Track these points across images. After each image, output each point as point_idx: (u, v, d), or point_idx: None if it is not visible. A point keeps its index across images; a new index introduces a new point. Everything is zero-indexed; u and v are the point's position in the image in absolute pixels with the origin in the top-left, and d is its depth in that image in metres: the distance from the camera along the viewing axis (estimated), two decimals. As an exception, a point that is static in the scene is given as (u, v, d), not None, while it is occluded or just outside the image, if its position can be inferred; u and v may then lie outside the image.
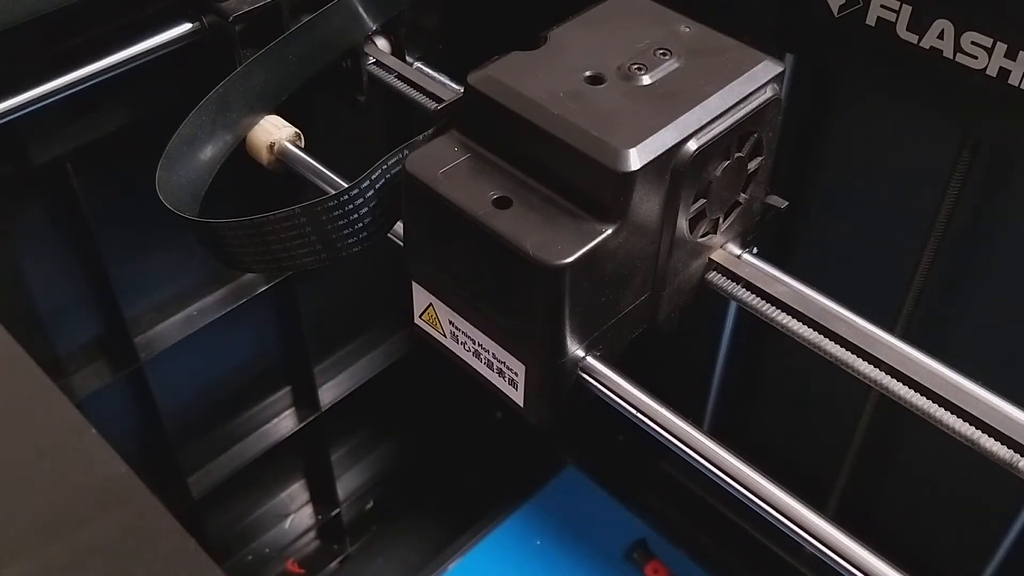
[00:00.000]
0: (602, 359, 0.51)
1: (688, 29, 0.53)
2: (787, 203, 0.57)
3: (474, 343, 0.52)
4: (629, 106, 0.49)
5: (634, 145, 0.46)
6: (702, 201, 0.51)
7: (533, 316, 0.48)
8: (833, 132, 0.81)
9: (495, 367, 0.51)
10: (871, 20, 0.63)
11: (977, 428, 0.46)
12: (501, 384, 0.52)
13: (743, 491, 0.47)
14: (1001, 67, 0.60)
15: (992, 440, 0.46)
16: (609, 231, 0.46)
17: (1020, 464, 0.45)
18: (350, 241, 0.54)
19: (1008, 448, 0.46)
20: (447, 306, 0.53)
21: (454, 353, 0.54)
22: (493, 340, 0.51)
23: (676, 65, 0.51)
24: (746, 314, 0.56)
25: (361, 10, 0.69)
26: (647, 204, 0.48)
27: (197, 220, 0.58)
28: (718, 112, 0.49)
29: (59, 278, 0.81)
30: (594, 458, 1.21)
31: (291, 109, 0.67)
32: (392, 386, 1.12)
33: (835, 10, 0.65)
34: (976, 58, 0.61)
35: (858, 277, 0.83)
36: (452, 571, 1.07)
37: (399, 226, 0.55)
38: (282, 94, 0.67)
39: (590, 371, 0.51)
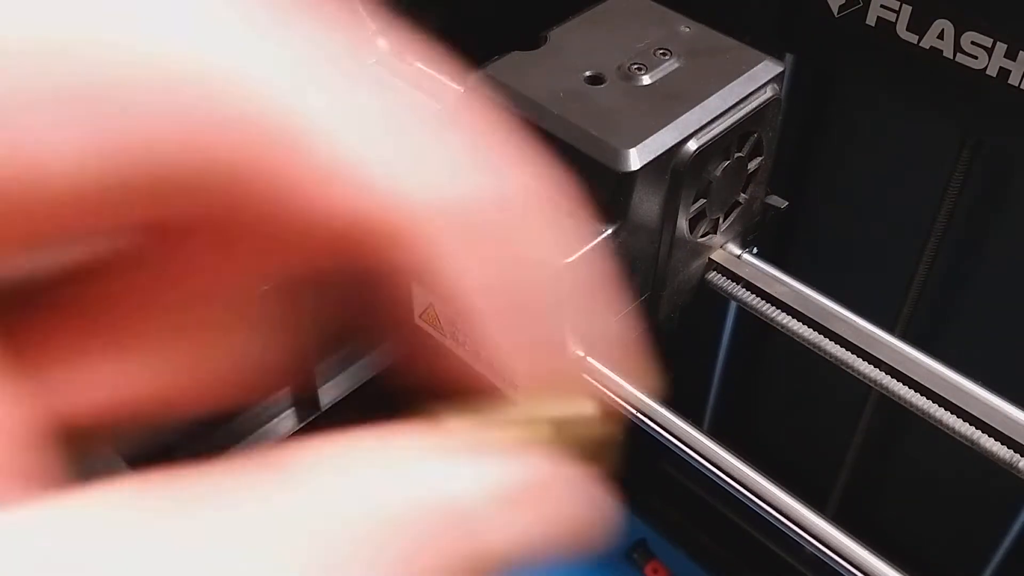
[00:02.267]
0: (601, 359, 0.51)
1: (688, 29, 0.53)
2: (787, 203, 0.57)
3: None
4: (629, 106, 0.49)
5: (634, 145, 0.46)
6: (702, 201, 0.51)
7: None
8: (833, 132, 0.81)
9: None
10: (871, 20, 0.63)
11: (977, 428, 0.47)
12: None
13: (743, 491, 0.47)
14: (1001, 67, 0.60)
15: (992, 440, 0.46)
16: (609, 231, 0.46)
17: (1020, 464, 0.45)
18: (350, 241, 0.54)
19: (1008, 448, 0.46)
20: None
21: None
22: (493, 340, 0.51)
23: (676, 65, 0.51)
24: (746, 314, 0.56)
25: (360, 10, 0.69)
26: (647, 204, 0.48)
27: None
28: (718, 112, 0.49)
29: (59, 278, 0.81)
30: (594, 458, 1.21)
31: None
32: (392, 386, 1.11)
33: (835, 10, 0.65)
34: (976, 58, 0.61)
35: (858, 277, 0.83)
36: (452, 571, 1.06)
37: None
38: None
39: (590, 371, 0.50)
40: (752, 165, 0.53)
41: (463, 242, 0.17)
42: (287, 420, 1.08)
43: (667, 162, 0.47)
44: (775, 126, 0.53)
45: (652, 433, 0.49)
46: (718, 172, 0.50)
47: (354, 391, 1.12)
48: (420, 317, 0.55)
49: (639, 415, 0.49)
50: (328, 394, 1.10)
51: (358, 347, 1.12)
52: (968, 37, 0.61)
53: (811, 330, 0.52)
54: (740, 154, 0.51)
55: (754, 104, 0.50)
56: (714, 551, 1.16)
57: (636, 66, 0.50)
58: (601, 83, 0.50)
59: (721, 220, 0.54)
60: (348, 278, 0.19)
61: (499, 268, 0.18)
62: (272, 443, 1.05)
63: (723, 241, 0.55)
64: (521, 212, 0.18)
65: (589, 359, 0.51)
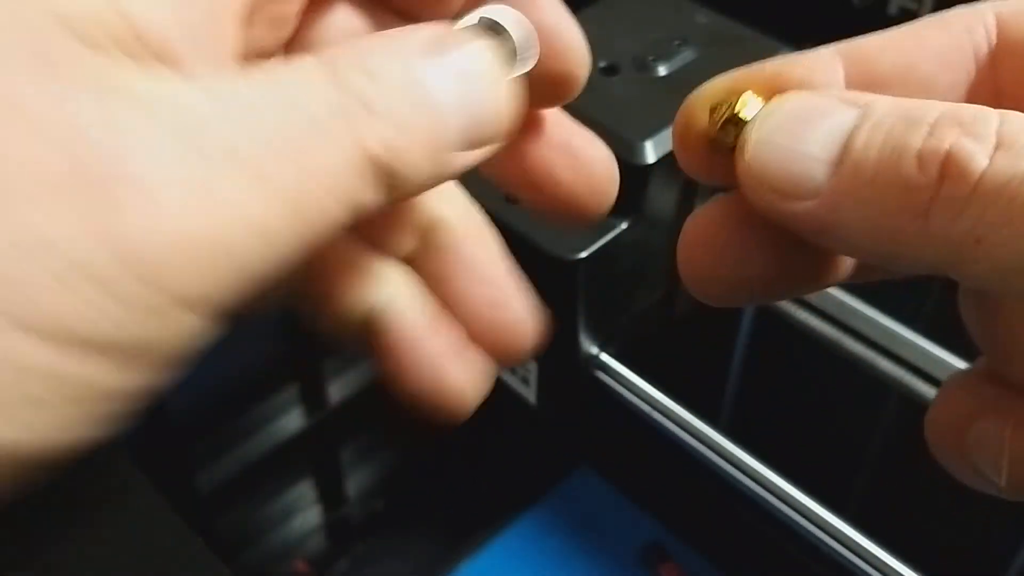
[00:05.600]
0: (617, 357, 0.50)
1: (704, 19, 0.52)
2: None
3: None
4: (644, 97, 0.48)
5: (649, 137, 0.45)
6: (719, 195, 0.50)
7: (546, 312, 0.47)
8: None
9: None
10: (893, 10, 0.62)
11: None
12: (513, 381, 0.51)
13: (760, 491, 0.46)
14: None
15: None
16: (624, 225, 0.45)
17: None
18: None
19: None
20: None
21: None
22: (505, 337, 0.50)
23: (692, 56, 0.50)
24: (764, 311, 0.55)
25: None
26: (663, 197, 0.47)
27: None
28: (735, 104, 0.48)
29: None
30: (608, 457, 1.21)
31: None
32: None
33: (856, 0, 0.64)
34: (999, 49, 0.60)
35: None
36: (463, 570, 1.06)
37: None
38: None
39: (605, 369, 0.50)
40: (770, 158, 0.52)
41: None
42: (295, 418, 1.07)
43: (683, 154, 0.46)
44: (794, 118, 0.52)
45: (667, 432, 0.48)
46: (735, 165, 0.49)
47: (364, 388, 1.11)
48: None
49: (655, 414, 0.48)
50: (337, 391, 1.09)
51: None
52: (991, 27, 0.60)
53: (831, 327, 0.51)
54: (758, 147, 0.50)
55: (773, 95, 0.49)
56: (729, 552, 1.15)
57: (651, 56, 0.49)
58: (616, 74, 0.49)
59: (738, 214, 0.53)
60: None
61: None
62: (279, 441, 1.04)
63: (740, 236, 0.54)
64: None
65: (603, 356, 0.50)
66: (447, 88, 0.20)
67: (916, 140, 0.18)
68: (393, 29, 0.21)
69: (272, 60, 0.22)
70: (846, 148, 0.19)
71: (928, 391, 0.47)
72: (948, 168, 0.18)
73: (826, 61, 0.22)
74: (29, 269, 0.15)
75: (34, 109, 0.16)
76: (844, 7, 0.63)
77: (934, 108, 0.19)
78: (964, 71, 0.22)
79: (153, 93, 0.17)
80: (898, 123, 0.19)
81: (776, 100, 0.21)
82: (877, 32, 0.23)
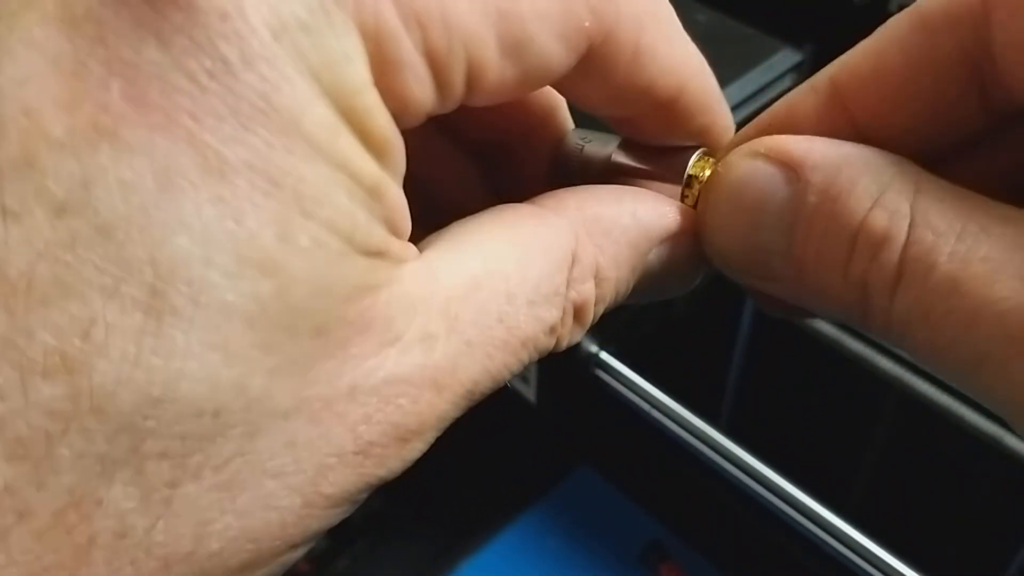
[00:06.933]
0: (617, 355, 0.50)
1: (704, 18, 0.52)
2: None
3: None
4: (644, 96, 0.48)
5: (649, 135, 0.45)
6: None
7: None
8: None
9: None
10: (893, 8, 0.62)
11: (1001, 426, 0.45)
12: (513, 381, 0.51)
13: (760, 490, 0.46)
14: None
15: (1016, 438, 0.45)
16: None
17: (1047, 463, 0.44)
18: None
19: (1034, 447, 0.45)
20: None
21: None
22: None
23: (692, 54, 0.50)
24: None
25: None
26: (662, 196, 0.47)
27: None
28: (735, 102, 0.48)
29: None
30: (608, 456, 1.20)
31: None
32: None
33: (855, -1, 0.64)
34: (1000, 48, 0.60)
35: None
36: (463, 570, 1.06)
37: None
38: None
39: (605, 367, 0.50)
40: (770, 157, 0.52)
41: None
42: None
43: (683, 153, 0.46)
44: (794, 117, 0.52)
45: (667, 430, 0.48)
46: (735, 164, 0.49)
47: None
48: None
49: (655, 412, 0.48)
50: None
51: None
52: (991, 26, 0.60)
53: (830, 325, 0.51)
54: (758, 145, 0.50)
55: (772, 94, 0.49)
56: (729, 552, 1.15)
57: (651, 55, 0.49)
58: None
59: (738, 213, 0.53)
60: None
61: None
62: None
63: (740, 235, 0.54)
64: None
65: (603, 355, 0.50)
66: (654, 259, 0.22)
67: (840, 256, 0.20)
68: (639, 200, 0.21)
69: None
70: (792, 247, 0.20)
71: (928, 390, 0.47)
72: (867, 290, 0.19)
73: (808, 105, 0.22)
74: None
75: None
76: (844, 6, 0.63)
77: (857, 209, 0.19)
78: (958, 72, 0.22)
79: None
80: (828, 231, 0.20)
81: (719, 174, 0.22)
82: (860, 47, 0.22)
